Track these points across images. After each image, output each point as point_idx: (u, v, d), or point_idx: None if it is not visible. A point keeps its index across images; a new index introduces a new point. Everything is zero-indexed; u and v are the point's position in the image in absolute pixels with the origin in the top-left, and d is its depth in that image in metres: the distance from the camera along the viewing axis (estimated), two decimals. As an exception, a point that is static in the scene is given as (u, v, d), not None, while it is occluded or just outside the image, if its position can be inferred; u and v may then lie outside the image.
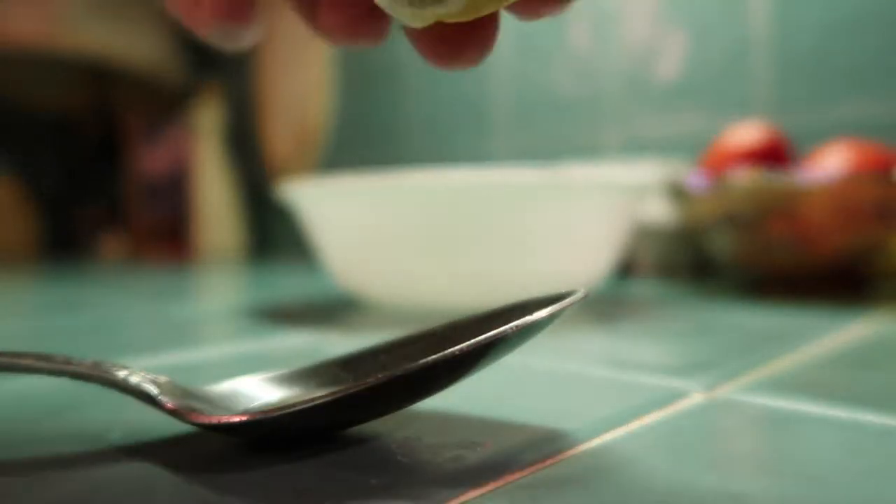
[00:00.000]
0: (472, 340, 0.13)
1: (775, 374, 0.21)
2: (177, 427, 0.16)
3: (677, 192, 0.43)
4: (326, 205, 0.34)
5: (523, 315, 0.15)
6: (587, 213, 0.33)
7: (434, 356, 0.13)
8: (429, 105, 0.83)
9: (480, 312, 0.17)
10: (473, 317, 0.17)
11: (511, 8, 0.13)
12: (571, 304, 0.14)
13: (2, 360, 0.14)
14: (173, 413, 0.14)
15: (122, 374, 0.15)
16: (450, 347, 0.15)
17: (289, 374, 0.17)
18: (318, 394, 0.16)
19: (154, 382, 0.15)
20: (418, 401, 0.14)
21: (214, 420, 0.13)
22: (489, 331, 0.14)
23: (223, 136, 1.10)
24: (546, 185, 0.32)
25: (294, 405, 0.13)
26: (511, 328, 0.13)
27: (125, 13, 1.03)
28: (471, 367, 0.14)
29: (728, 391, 0.19)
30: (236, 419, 0.13)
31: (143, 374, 0.15)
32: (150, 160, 1.19)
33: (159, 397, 0.14)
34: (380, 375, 0.13)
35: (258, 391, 0.16)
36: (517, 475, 0.13)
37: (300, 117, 1.00)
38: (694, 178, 0.42)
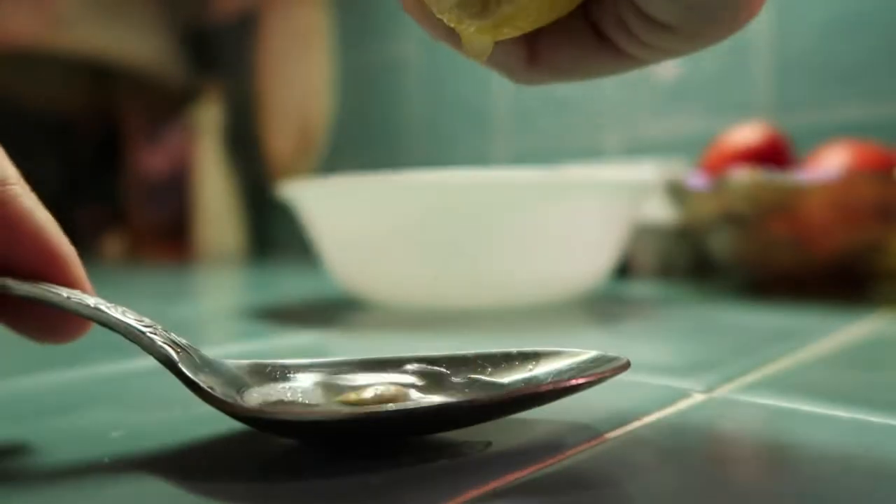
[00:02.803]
0: (515, 390, 0.14)
1: (775, 374, 0.21)
2: (176, 427, 0.16)
3: (677, 192, 0.43)
4: (327, 205, 0.34)
5: (556, 363, 0.16)
6: (587, 213, 0.33)
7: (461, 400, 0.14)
8: (429, 106, 0.83)
9: (512, 352, 0.17)
10: (505, 354, 0.17)
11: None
12: (614, 374, 0.15)
13: (36, 289, 0.14)
14: (190, 385, 0.14)
15: (147, 329, 0.14)
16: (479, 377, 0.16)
17: (307, 365, 0.17)
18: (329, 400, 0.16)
19: (175, 344, 0.15)
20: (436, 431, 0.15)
21: (228, 401, 0.14)
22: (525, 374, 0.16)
23: (223, 136, 1.10)
24: (546, 185, 0.32)
25: (282, 412, 0.13)
26: (550, 387, 0.14)
27: (125, 13, 1.03)
28: (501, 413, 0.15)
29: (728, 391, 0.19)
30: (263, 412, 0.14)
31: (168, 336, 0.15)
32: (151, 160, 1.19)
33: (179, 365, 0.14)
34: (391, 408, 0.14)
35: (273, 378, 0.16)
36: (517, 475, 0.13)
37: (300, 117, 1.00)
38: (694, 178, 0.42)
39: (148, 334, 0.14)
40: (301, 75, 1.00)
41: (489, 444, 0.14)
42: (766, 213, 0.39)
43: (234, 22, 1.12)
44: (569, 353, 0.16)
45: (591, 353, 0.16)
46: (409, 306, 0.35)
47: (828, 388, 0.19)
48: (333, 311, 0.37)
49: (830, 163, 0.42)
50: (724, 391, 0.19)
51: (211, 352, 0.25)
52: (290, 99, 1.02)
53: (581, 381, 0.14)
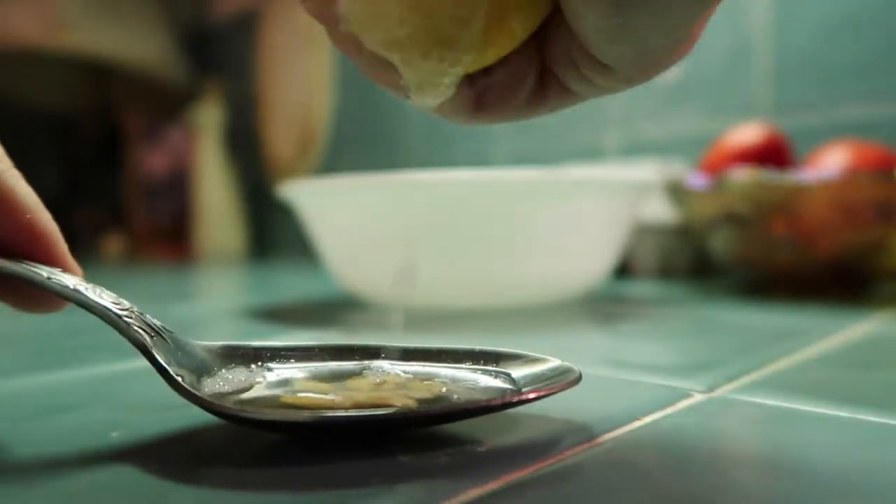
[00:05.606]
0: (465, 402, 0.15)
1: (775, 374, 0.21)
2: (175, 427, 0.16)
3: (677, 192, 0.43)
4: (327, 205, 0.34)
5: (515, 369, 0.17)
6: (587, 212, 0.33)
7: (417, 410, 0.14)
8: (429, 105, 0.83)
9: (466, 349, 0.18)
10: (468, 352, 0.18)
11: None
12: (563, 389, 0.15)
13: (18, 267, 0.14)
14: (161, 372, 0.14)
15: (123, 312, 0.15)
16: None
17: (280, 350, 0.18)
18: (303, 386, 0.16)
19: (150, 328, 0.15)
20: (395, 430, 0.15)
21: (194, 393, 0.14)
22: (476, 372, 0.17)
23: (224, 136, 1.10)
24: (546, 184, 0.32)
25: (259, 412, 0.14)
26: (499, 400, 0.15)
27: (125, 14, 1.03)
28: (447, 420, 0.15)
29: (728, 391, 0.19)
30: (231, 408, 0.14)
31: (143, 319, 0.15)
32: (151, 160, 1.19)
33: (152, 351, 0.14)
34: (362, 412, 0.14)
35: (250, 363, 0.17)
36: (517, 475, 0.13)
37: (301, 118, 1.00)
38: (694, 178, 0.42)
39: (123, 318, 0.14)
40: (301, 75, 1.00)
41: (489, 443, 0.14)
42: (766, 213, 0.39)
43: (234, 22, 1.12)
44: (529, 360, 0.17)
45: (550, 363, 0.16)
46: (409, 306, 0.35)
47: (828, 388, 0.19)
48: (333, 311, 0.37)
49: (830, 163, 0.42)
50: (724, 391, 0.19)
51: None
52: (290, 99, 1.02)
53: (530, 395, 0.15)
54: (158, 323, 0.15)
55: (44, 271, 0.14)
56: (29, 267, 0.14)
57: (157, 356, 0.14)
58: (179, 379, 0.14)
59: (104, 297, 0.15)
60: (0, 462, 0.14)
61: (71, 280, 0.15)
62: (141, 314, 0.15)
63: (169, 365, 0.14)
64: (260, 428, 0.14)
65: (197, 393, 0.14)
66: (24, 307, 0.16)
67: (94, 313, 0.14)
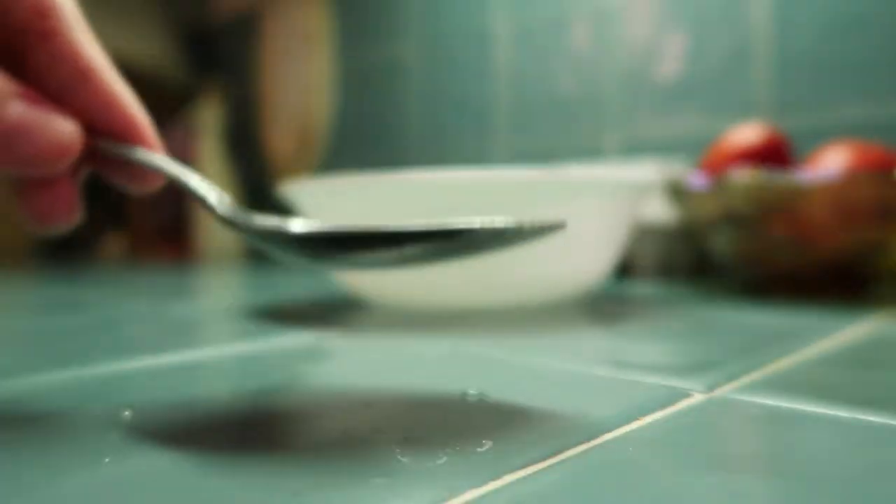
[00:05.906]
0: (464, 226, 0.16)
1: (775, 374, 0.21)
2: (176, 428, 0.16)
3: (677, 192, 0.43)
4: (327, 204, 0.34)
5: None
6: (587, 212, 0.33)
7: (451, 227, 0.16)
8: (429, 106, 0.83)
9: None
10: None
11: None
12: (544, 229, 0.16)
13: (121, 150, 0.19)
14: (227, 221, 0.17)
15: (193, 180, 0.18)
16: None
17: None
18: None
19: (218, 195, 0.18)
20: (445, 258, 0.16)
21: (270, 226, 0.16)
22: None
23: (224, 136, 1.10)
24: (546, 183, 0.32)
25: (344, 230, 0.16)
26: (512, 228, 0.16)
27: (126, 14, 1.03)
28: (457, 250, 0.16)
29: (728, 391, 0.19)
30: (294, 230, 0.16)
31: (213, 189, 0.18)
32: (151, 160, 1.19)
33: (209, 202, 0.17)
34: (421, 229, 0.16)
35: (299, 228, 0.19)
36: (517, 475, 0.13)
37: (300, 117, 1.00)
38: (694, 178, 0.42)
39: (195, 181, 0.18)
40: (301, 75, 1.00)
41: (489, 443, 0.14)
42: (766, 213, 0.39)
43: (234, 22, 1.12)
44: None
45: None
46: (409, 306, 0.35)
47: (828, 388, 0.19)
48: (333, 311, 0.37)
49: (830, 163, 0.42)
50: (724, 391, 0.19)
51: (210, 352, 0.25)
52: (290, 99, 1.02)
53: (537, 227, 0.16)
54: (228, 199, 0.18)
55: (140, 153, 0.19)
56: (129, 149, 0.19)
57: (213, 205, 0.17)
58: (229, 216, 0.17)
59: (185, 171, 0.18)
60: None
61: (161, 160, 0.19)
62: (215, 189, 0.18)
63: (224, 213, 0.17)
64: (279, 246, 0.16)
65: (227, 216, 0.16)
66: (128, 183, 0.20)
67: (180, 183, 0.18)
